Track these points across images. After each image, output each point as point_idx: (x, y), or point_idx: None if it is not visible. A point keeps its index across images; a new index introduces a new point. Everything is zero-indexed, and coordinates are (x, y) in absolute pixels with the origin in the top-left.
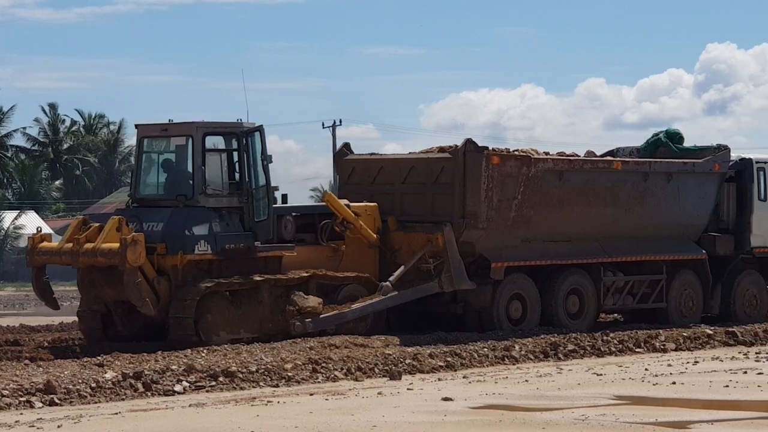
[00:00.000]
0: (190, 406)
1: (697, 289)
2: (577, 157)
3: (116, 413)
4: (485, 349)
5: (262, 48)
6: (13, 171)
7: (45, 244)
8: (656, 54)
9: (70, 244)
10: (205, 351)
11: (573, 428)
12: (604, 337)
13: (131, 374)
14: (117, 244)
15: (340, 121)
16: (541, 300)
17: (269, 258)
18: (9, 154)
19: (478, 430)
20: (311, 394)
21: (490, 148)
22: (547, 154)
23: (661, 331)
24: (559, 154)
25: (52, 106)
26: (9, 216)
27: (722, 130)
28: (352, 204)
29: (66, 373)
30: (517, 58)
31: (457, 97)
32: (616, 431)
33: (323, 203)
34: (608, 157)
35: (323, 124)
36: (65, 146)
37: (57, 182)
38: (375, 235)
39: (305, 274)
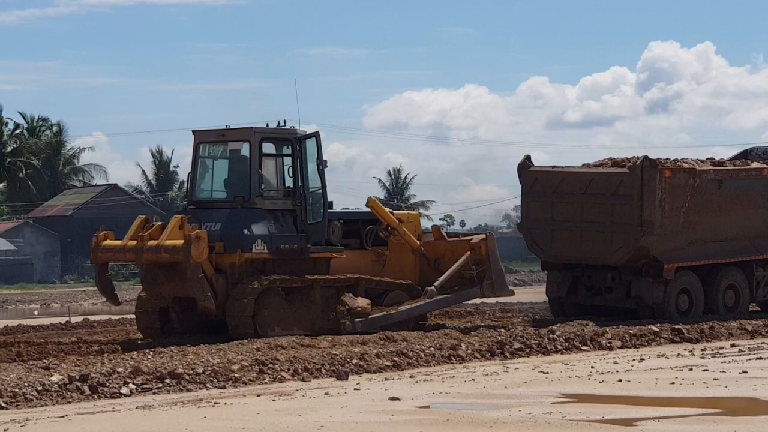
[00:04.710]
0: (137, 408)
1: None
2: (734, 167)
3: (63, 416)
4: (432, 349)
5: (204, 49)
6: None
7: (108, 241)
8: (599, 52)
9: (134, 242)
10: (151, 353)
11: (520, 426)
12: (551, 335)
13: (77, 377)
14: (181, 241)
15: (285, 122)
16: (704, 293)
17: (319, 260)
18: None
19: (425, 429)
20: (258, 395)
21: (662, 162)
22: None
23: (607, 329)
24: (710, 161)
25: None
26: None
27: (665, 128)
28: (395, 212)
29: (12, 376)
30: (460, 58)
31: (400, 98)
32: (563, 429)
33: (368, 209)
34: (757, 164)
35: (267, 125)
36: (9, 149)
37: (0, 185)
38: (418, 242)
39: (355, 277)
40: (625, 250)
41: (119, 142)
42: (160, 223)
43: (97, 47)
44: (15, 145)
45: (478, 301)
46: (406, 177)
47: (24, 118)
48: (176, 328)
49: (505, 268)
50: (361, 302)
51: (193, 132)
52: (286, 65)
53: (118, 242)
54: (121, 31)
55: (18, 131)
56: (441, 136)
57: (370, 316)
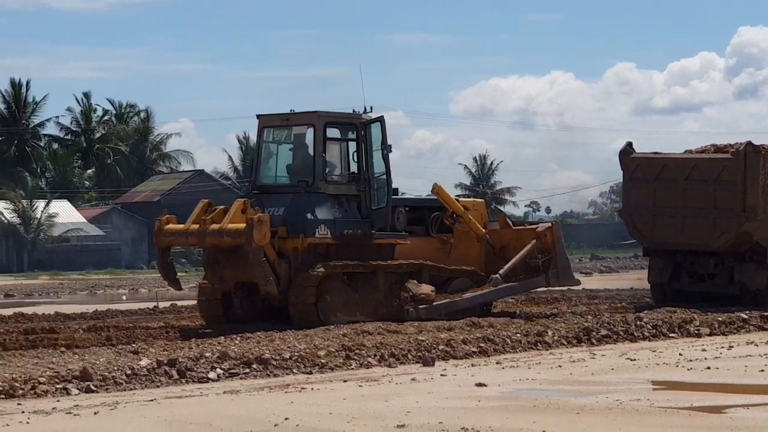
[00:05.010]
0: (224, 393)
1: None
2: None
3: (151, 400)
4: (518, 335)
5: (290, 36)
6: (46, 160)
7: (171, 225)
8: (687, 38)
9: (197, 225)
10: (238, 338)
11: (607, 413)
12: (638, 322)
13: (166, 361)
14: (243, 225)
15: (371, 108)
16: None
17: (383, 245)
18: (42, 144)
19: (512, 415)
20: (345, 381)
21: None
22: None
23: (695, 315)
24: None
25: (86, 95)
26: (42, 205)
27: (753, 114)
28: (461, 199)
29: (101, 360)
30: (546, 44)
31: (486, 84)
32: (652, 416)
33: (434, 196)
34: None
35: (353, 111)
36: (97, 135)
37: (89, 171)
38: (483, 230)
39: (418, 263)
40: (727, 236)
41: (205, 128)
42: (222, 207)
43: (184, 34)
44: (103, 132)
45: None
46: (491, 163)
47: (112, 105)
48: (239, 313)
49: (591, 254)
50: (425, 289)
51: (258, 116)
52: (370, 52)
53: (181, 226)
54: (208, 18)
55: (106, 118)
56: (526, 123)
57: (433, 303)
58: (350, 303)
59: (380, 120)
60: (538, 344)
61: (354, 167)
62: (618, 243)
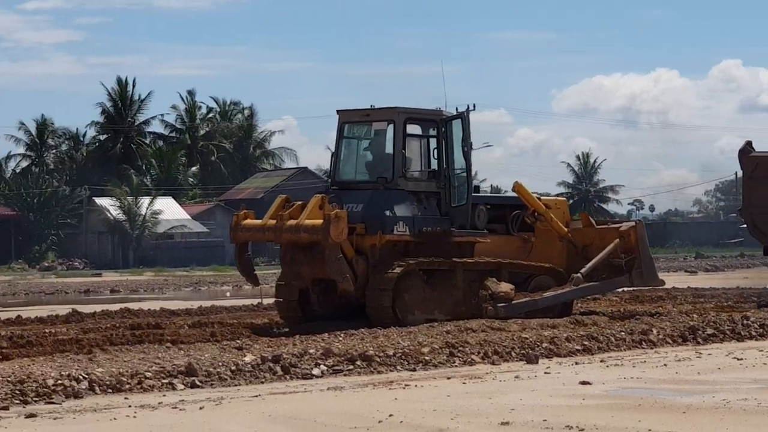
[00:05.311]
0: (328, 389)
1: None
2: None
3: (256, 396)
4: (622, 333)
5: (392, 33)
6: (151, 157)
7: (248, 221)
8: None
9: (274, 221)
10: (342, 335)
11: (714, 413)
12: (745, 321)
13: (270, 358)
14: (320, 221)
15: (474, 106)
16: None
17: (463, 243)
18: (147, 141)
19: (617, 414)
20: (448, 378)
21: None
22: None
23: None
24: None
25: (191, 93)
26: (147, 202)
27: None
28: (542, 197)
29: (206, 356)
30: (651, 41)
31: (589, 82)
32: (760, 416)
33: (514, 194)
34: None
35: (456, 109)
36: (201, 133)
37: (193, 168)
38: (565, 228)
39: (498, 261)
40: None
41: (309, 125)
42: (300, 202)
43: (287, 32)
44: (207, 129)
45: (669, 285)
46: (594, 161)
47: (216, 103)
48: (316, 311)
49: (696, 253)
50: (505, 287)
51: (338, 112)
52: (473, 50)
53: (258, 221)
54: (311, 16)
55: (210, 115)
56: (630, 121)
57: (513, 302)
58: (428, 301)
59: (461, 117)
60: (643, 343)
61: (434, 164)
62: (724, 241)
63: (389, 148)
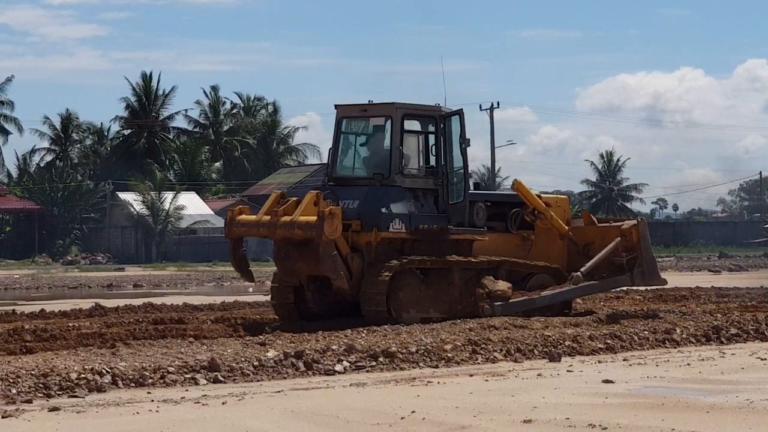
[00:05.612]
0: (350, 385)
1: None
2: None
3: (278, 391)
4: (645, 332)
5: (417, 31)
6: (174, 152)
7: (243, 216)
8: None
9: (268, 217)
10: (365, 331)
11: (738, 413)
12: None
13: (293, 353)
14: (314, 217)
15: (498, 104)
16: None
17: (461, 241)
18: (171, 136)
19: (640, 413)
20: (471, 375)
21: None
22: None
23: None
24: None
25: (214, 89)
26: (170, 197)
27: None
28: (543, 195)
29: (229, 351)
30: (675, 39)
31: (613, 80)
32: None
33: (514, 192)
34: None
35: (480, 107)
36: (225, 128)
37: (217, 164)
38: (566, 227)
39: (496, 260)
40: None
41: (332, 121)
42: (295, 198)
43: (311, 28)
44: (231, 125)
45: (692, 284)
46: (618, 160)
47: (240, 98)
48: (311, 308)
49: (720, 252)
50: (502, 285)
51: (336, 106)
52: (497, 47)
53: (253, 217)
54: (335, 13)
55: (234, 111)
56: (654, 119)
57: (510, 300)
58: (423, 299)
59: (459, 113)
60: (666, 342)
61: (432, 161)
62: (748, 241)
63: (386, 144)
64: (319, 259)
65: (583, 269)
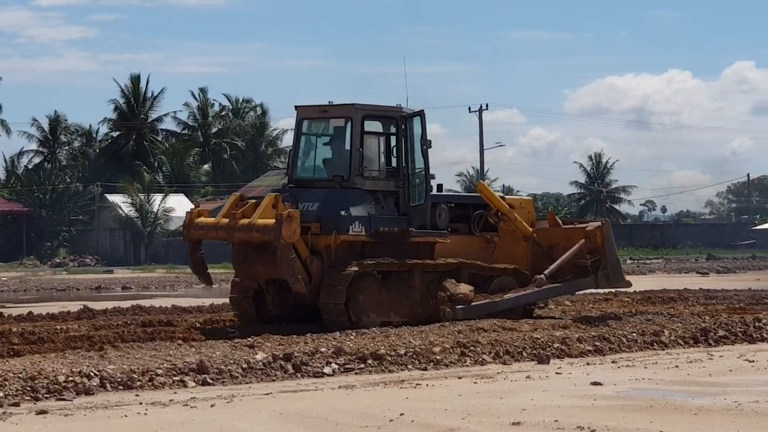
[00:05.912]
0: (339, 387)
1: None
2: None
3: (267, 394)
4: (634, 334)
5: (407, 32)
6: (163, 154)
7: (202, 219)
8: None
9: (227, 220)
10: (353, 334)
11: (726, 415)
12: (756, 323)
13: (281, 356)
14: (272, 220)
15: (486, 106)
16: None
17: (422, 244)
18: (159, 138)
19: (628, 415)
20: (459, 378)
21: None
22: None
23: None
24: None
25: (203, 91)
26: (159, 199)
27: None
28: (506, 197)
29: (218, 353)
30: (664, 42)
31: (601, 82)
32: None
33: (477, 194)
34: None
35: (469, 109)
36: (214, 130)
37: (205, 166)
38: (530, 229)
39: (457, 262)
40: None
41: None
42: (254, 201)
43: (301, 30)
44: (220, 127)
45: (680, 286)
46: (606, 162)
47: (228, 100)
48: (271, 311)
49: (708, 254)
50: (464, 288)
51: (296, 107)
52: (487, 48)
53: (211, 220)
54: (325, 14)
55: (223, 113)
56: (643, 121)
57: (472, 303)
58: (384, 303)
59: (421, 114)
60: (655, 344)
61: (393, 162)
62: (736, 243)
63: (346, 146)
64: (277, 262)
65: (546, 271)
